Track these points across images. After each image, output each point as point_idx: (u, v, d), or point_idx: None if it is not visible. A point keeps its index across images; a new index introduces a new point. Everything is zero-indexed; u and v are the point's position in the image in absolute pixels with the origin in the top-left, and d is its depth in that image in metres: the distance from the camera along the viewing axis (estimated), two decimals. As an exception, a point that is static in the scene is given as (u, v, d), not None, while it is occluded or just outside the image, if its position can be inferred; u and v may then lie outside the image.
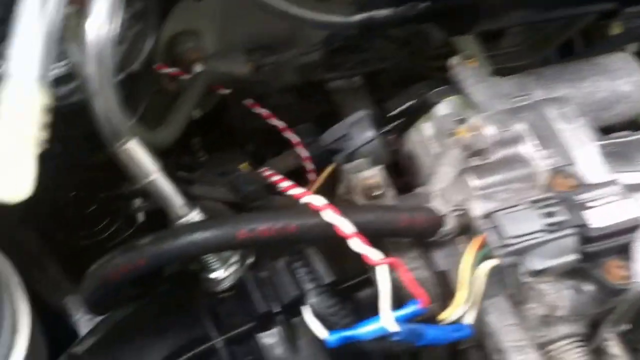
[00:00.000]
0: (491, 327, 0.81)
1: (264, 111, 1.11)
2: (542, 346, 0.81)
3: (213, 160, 1.16)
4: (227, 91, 1.14)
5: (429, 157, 0.89)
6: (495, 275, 0.80)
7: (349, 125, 0.96)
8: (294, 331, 0.81)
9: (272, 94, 1.20)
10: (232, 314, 0.82)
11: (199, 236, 0.74)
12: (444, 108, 0.90)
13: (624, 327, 0.85)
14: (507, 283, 0.81)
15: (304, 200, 0.73)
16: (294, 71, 1.15)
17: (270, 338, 0.81)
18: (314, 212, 0.71)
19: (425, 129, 0.91)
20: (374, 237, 0.72)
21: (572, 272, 0.77)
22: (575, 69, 1.00)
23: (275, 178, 0.83)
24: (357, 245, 0.70)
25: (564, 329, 0.81)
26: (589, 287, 0.78)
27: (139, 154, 0.75)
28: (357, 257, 0.72)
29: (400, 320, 0.71)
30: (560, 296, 0.78)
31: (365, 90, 1.20)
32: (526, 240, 0.71)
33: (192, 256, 0.78)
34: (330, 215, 0.71)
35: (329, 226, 0.71)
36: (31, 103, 0.63)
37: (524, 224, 0.72)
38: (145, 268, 0.77)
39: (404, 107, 0.94)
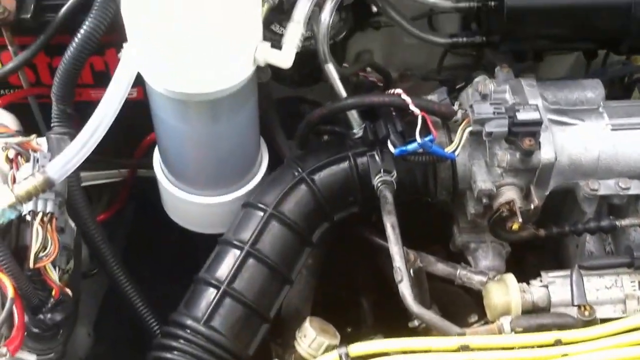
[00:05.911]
0: (474, 169, 1.75)
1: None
2: (496, 186, 1.73)
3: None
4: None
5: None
6: (479, 149, 1.76)
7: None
8: (385, 154, 1.81)
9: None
10: (359, 145, 1.85)
11: (347, 102, 1.80)
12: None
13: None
14: (483, 154, 1.75)
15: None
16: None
17: (372, 156, 1.82)
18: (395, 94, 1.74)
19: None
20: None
21: (508, 142, 1.69)
22: (564, 83, 1.92)
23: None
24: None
25: (509, 179, 1.74)
26: (517, 153, 1.70)
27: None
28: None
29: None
30: (503, 155, 1.71)
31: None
32: (484, 116, 1.66)
33: (344, 111, 1.82)
34: (404, 96, 1.73)
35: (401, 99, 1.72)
36: None
37: (485, 110, 1.67)
38: (327, 114, 1.82)
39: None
